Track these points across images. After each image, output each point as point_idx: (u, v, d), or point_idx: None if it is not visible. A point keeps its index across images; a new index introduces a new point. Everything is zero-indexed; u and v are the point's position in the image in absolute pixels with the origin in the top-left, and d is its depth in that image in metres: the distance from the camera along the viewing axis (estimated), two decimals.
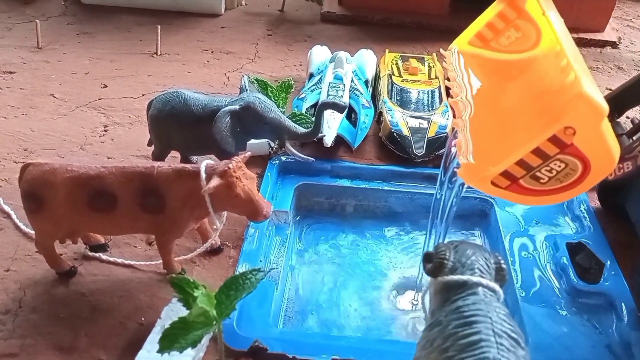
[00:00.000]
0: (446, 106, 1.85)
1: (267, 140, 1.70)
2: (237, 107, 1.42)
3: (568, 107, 0.92)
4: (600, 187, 1.55)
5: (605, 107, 0.92)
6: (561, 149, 0.95)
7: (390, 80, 1.98)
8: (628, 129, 1.71)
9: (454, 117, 1.17)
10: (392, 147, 1.75)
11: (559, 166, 0.98)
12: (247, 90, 1.52)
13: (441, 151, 1.73)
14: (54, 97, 2.06)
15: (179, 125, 1.44)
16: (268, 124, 1.46)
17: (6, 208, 1.52)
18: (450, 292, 0.92)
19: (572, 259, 1.41)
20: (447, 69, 1.23)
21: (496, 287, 0.93)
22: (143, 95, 2.06)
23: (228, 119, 1.40)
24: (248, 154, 1.23)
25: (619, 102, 1.63)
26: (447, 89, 1.30)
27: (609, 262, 1.40)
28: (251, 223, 1.49)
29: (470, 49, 1.19)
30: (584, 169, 0.98)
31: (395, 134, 1.74)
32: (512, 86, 1.08)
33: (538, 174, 1.00)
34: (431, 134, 1.74)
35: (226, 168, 1.14)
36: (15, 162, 1.69)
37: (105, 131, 1.86)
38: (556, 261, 1.42)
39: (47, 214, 1.19)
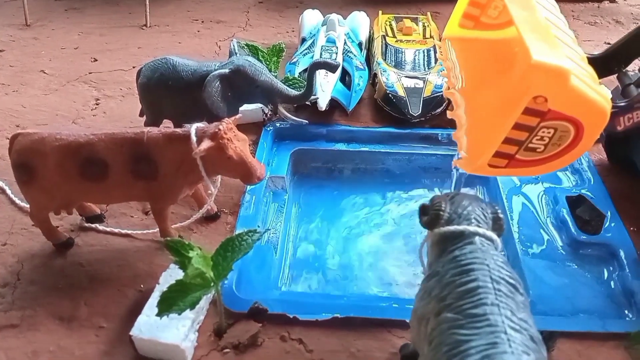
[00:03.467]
0: (441, 65, 1.81)
1: (260, 106, 1.68)
2: (226, 70, 1.39)
3: (526, 79, 0.91)
4: (607, 138, 1.51)
5: (565, 65, 0.90)
6: (541, 117, 0.95)
7: (384, 42, 1.94)
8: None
9: (450, 109, 1.17)
10: (387, 108, 1.73)
11: (549, 132, 0.97)
12: (236, 54, 1.49)
13: (437, 111, 1.71)
14: (44, 73, 2.03)
15: (169, 92, 1.42)
16: (259, 87, 1.43)
17: (0, 184, 1.51)
18: (447, 243, 0.91)
19: (572, 212, 1.40)
20: (443, 59, 1.23)
21: (493, 236, 0.92)
22: (134, 67, 2.03)
23: (218, 83, 1.38)
24: (239, 116, 1.21)
25: (624, 52, 1.59)
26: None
27: (609, 213, 1.39)
28: (247, 189, 1.48)
29: (461, 34, 1.18)
30: (576, 127, 0.97)
31: (390, 95, 1.72)
32: (492, 69, 1.08)
33: (531, 145, 1.00)
34: (427, 93, 1.71)
35: (217, 130, 1.12)
36: (7, 139, 1.66)
37: (97, 104, 1.84)
38: (556, 214, 1.41)
39: (39, 184, 1.18)
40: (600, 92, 0.96)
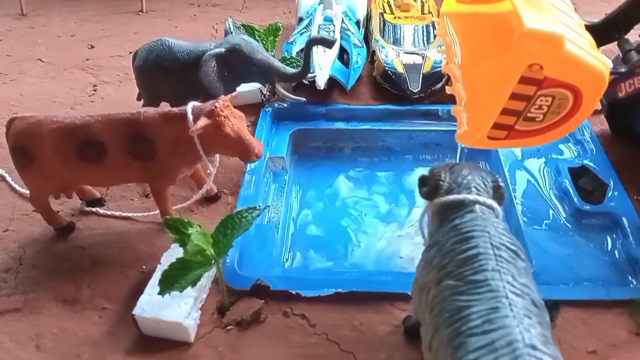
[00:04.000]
0: (441, 40, 1.79)
1: (258, 87, 1.66)
2: (222, 50, 1.38)
3: (519, 48, 0.91)
4: (609, 107, 1.49)
5: (559, 31, 0.88)
6: (538, 86, 0.94)
7: (382, 19, 1.92)
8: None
9: (450, 84, 1.15)
10: (386, 85, 1.71)
11: (547, 100, 0.96)
12: (232, 33, 1.48)
13: (437, 86, 1.69)
14: (42, 61, 2.03)
15: (166, 73, 1.41)
16: (256, 66, 1.42)
17: (0, 171, 1.50)
18: (448, 212, 0.90)
19: (575, 183, 1.38)
20: (441, 35, 1.21)
21: (494, 204, 0.91)
22: (130, 53, 1.98)
23: (214, 62, 1.36)
24: (235, 93, 1.20)
25: (624, 18, 1.56)
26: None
27: (612, 183, 1.37)
28: (247, 169, 1.47)
29: (459, 9, 1.17)
30: (574, 94, 0.96)
31: (389, 72, 1.70)
32: (490, 43, 1.07)
33: (529, 114, 0.99)
34: (426, 69, 1.69)
35: (213, 107, 1.11)
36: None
37: (95, 90, 1.84)
38: (558, 186, 1.40)
39: (37, 168, 1.17)
40: (597, 57, 0.95)
